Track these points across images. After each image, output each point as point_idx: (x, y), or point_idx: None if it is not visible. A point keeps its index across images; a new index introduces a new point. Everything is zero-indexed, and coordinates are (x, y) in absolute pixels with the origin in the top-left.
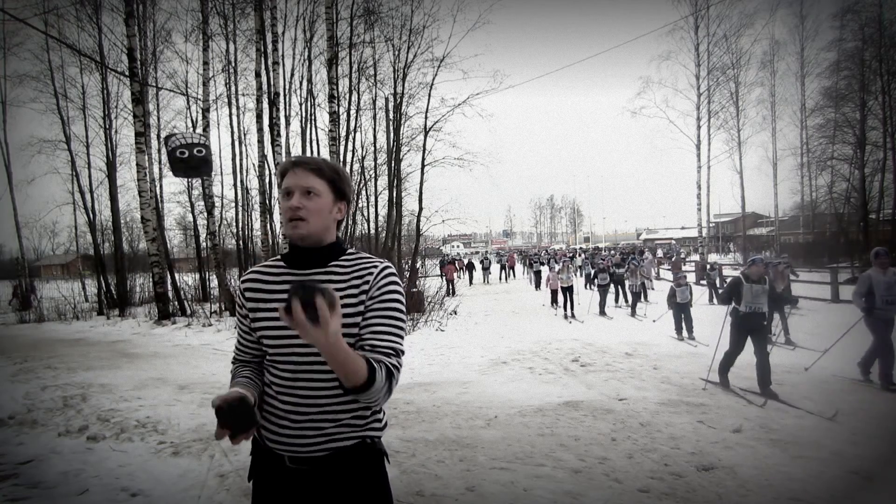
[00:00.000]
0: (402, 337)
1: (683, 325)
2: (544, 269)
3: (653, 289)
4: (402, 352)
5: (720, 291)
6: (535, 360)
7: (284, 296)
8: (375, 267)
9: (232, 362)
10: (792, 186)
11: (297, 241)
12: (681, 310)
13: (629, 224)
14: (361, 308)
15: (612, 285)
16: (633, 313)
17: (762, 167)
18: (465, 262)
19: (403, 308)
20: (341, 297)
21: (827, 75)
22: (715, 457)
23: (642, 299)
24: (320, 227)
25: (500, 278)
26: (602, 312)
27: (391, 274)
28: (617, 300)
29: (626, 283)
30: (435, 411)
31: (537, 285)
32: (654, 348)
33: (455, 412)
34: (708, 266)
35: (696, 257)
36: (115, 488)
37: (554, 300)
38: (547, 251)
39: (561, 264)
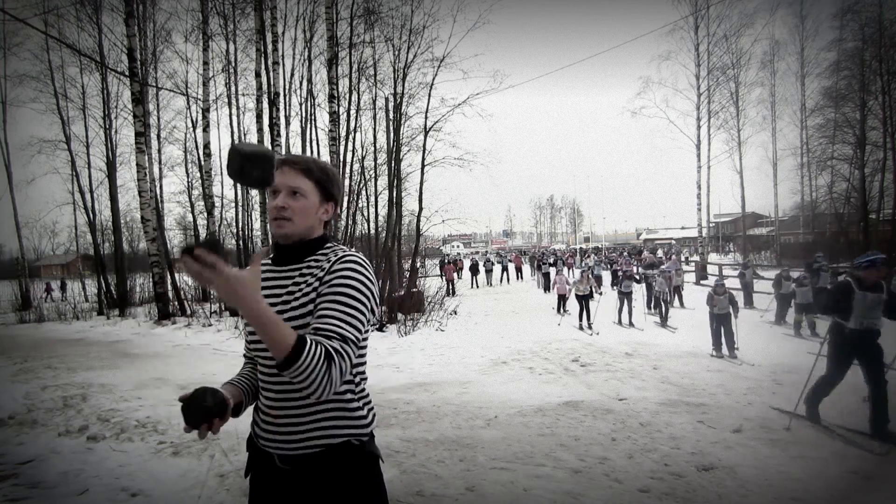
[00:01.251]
0: (351, 325)
1: (724, 339)
2: (558, 272)
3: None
4: (351, 340)
5: (823, 299)
6: (535, 360)
7: (269, 292)
8: (335, 255)
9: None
10: (792, 186)
11: (279, 240)
12: (720, 322)
13: (629, 224)
14: (314, 295)
15: (629, 292)
16: (665, 322)
17: (762, 167)
18: (469, 263)
19: (359, 295)
20: (311, 290)
21: (827, 75)
22: (715, 457)
23: (677, 304)
24: (304, 228)
25: (501, 280)
26: (628, 321)
27: (349, 260)
28: (650, 306)
29: (654, 287)
30: (435, 411)
31: (546, 288)
32: (654, 348)
33: (455, 412)
34: (741, 265)
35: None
36: (115, 488)
37: (562, 306)
38: (555, 252)
39: (580, 274)
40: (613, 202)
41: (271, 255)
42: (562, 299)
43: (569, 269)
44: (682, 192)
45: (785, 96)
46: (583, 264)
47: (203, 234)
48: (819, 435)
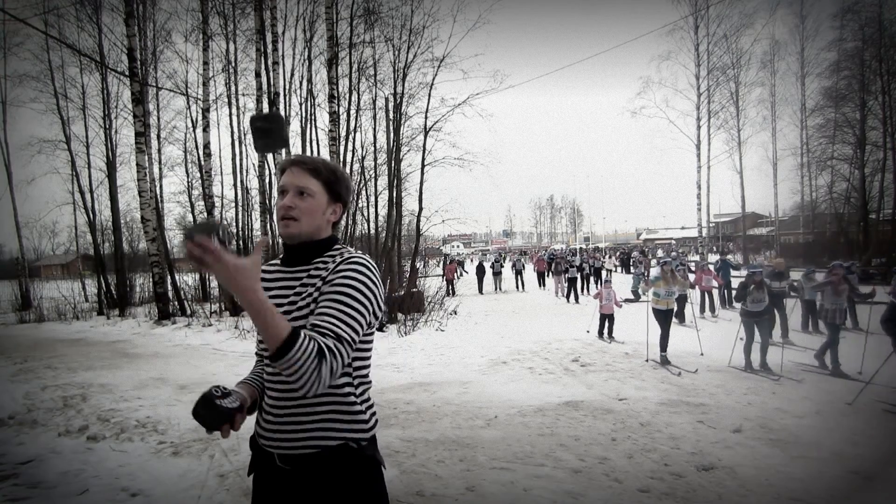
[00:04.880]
0: (348, 324)
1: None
2: (605, 283)
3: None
4: (346, 339)
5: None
6: (535, 360)
7: (277, 293)
8: (341, 255)
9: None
10: (792, 186)
11: (286, 240)
12: (753, 322)
13: (629, 224)
14: (317, 294)
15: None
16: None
17: (762, 167)
18: (475, 264)
19: (360, 296)
20: (316, 291)
21: (827, 75)
22: (715, 457)
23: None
24: (311, 228)
25: (517, 285)
26: (761, 365)
27: (354, 261)
28: (786, 335)
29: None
30: (435, 411)
31: (570, 296)
32: (654, 348)
33: (455, 412)
34: (804, 273)
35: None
36: (115, 488)
37: (608, 328)
38: (576, 251)
39: (659, 269)
40: (613, 202)
41: (281, 256)
42: (608, 321)
43: (596, 275)
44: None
45: (785, 96)
46: (656, 258)
47: None
48: (819, 435)
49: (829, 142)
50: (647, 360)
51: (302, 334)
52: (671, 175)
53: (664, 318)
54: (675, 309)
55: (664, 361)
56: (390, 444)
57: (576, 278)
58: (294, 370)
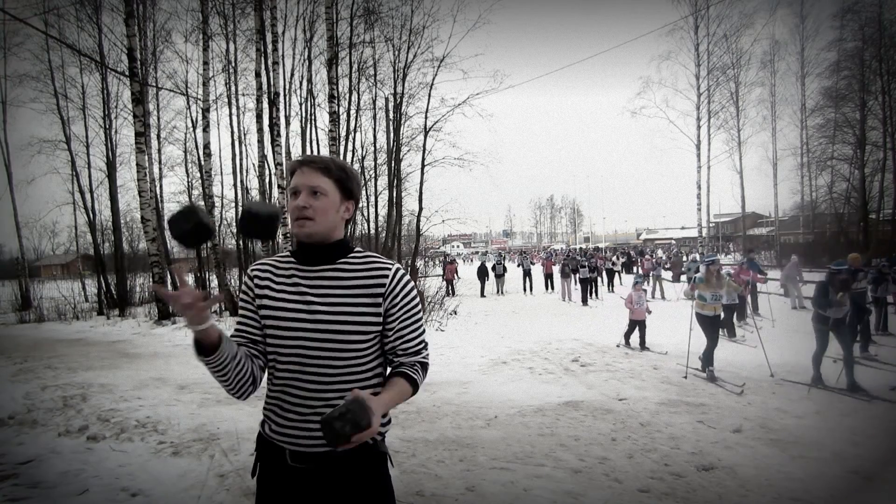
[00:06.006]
0: (425, 331)
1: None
2: (635, 285)
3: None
4: (427, 342)
5: None
6: (535, 360)
7: (291, 289)
8: (389, 270)
9: None
10: (792, 186)
11: (303, 240)
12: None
13: (629, 224)
14: (379, 310)
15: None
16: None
17: (762, 167)
18: (477, 265)
19: (419, 310)
20: (353, 294)
21: (827, 75)
22: (715, 457)
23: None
24: (327, 227)
25: (525, 288)
26: (850, 386)
27: (405, 276)
28: (866, 348)
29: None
30: (435, 411)
31: (585, 299)
32: (654, 348)
33: (455, 412)
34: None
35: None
36: (115, 488)
37: (638, 337)
38: (587, 251)
39: (703, 271)
40: (613, 202)
41: (288, 252)
42: (638, 327)
43: (608, 276)
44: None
45: (785, 96)
46: (697, 256)
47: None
48: (819, 434)
49: (829, 142)
50: (685, 377)
51: (416, 378)
52: (671, 175)
53: (710, 325)
54: (723, 316)
55: (711, 377)
56: (390, 444)
57: (588, 278)
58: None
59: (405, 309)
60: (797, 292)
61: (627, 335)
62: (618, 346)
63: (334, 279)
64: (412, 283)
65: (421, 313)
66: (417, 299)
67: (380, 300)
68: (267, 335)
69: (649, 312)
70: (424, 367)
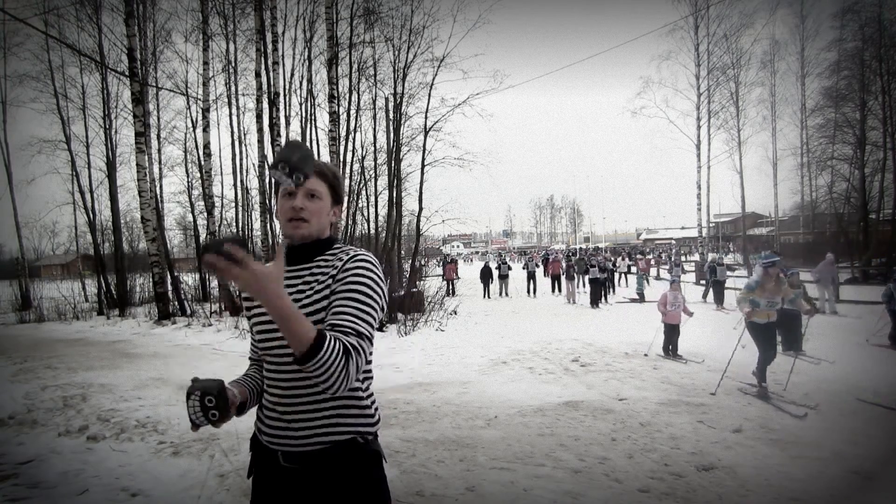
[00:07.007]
0: (366, 322)
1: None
2: (671, 285)
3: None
4: (366, 336)
5: None
6: (535, 360)
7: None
8: (347, 254)
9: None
10: (792, 186)
11: (297, 241)
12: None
13: (629, 224)
14: (327, 292)
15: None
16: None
17: (762, 167)
18: (481, 266)
19: (372, 293)
20: (316, 290)
21: (827, 75)
22: (715, 457)
23: None
24: (318, 229)
25: (529, 290)
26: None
27: (361, 259)
28: None
29: None
30: (435, 411)
31: (595, 301)
32: (654, 348)
33: (455, 412)
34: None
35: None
36: (115, 488)
37: (671, 345)
38: (588, 251)
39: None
40: (613, 202)
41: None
42: (673, 333)
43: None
44: (682, 192)
45: (785, 96)
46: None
47: (203, 234)
48: (819, 435)
49: (829, 142)
50: (713, 394)
51: (328, 336)
52: (671, 175)
53: (764, 334)
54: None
55: (762, 395)
56: (390, 444)
57: (597, 279)
58: (323, 371)
59: (344, 283)
60: (829, 295)
61: (667, 345)
62: (645, 355)
63: (305, 276)
64: (367, 267)
65: (366, 298)
66: (365, 282)
67: (329, 281)
68: (255, 339)
69: (690, 314)
70: (346, 350)
